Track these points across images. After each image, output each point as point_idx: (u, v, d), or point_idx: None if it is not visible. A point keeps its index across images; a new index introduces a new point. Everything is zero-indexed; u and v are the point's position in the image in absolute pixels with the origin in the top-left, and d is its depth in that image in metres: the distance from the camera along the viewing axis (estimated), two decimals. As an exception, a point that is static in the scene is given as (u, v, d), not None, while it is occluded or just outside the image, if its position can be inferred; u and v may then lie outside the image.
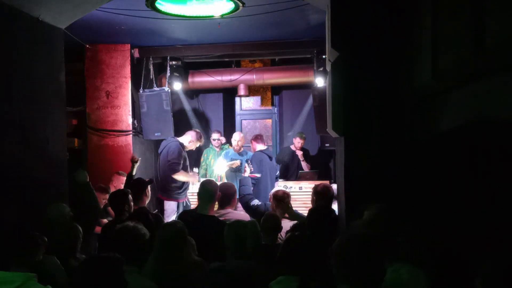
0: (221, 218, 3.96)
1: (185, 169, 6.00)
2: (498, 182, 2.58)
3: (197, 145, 6.27)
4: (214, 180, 5.72)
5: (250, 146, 6.89)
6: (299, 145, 7.37)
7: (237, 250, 2.97)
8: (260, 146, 6.50)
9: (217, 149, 7.31)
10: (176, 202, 5.95)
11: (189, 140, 6.11)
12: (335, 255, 2.01)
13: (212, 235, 3.40)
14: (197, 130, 6.49)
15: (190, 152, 6.91)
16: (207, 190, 3.95)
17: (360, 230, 2.37)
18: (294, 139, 7.47)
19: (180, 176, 5.86)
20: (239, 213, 4.35)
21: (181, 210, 5.95)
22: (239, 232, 3.04)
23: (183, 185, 5.99)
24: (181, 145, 5.99)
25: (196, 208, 4.10)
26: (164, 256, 2.88)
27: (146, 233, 2.80)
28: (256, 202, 4.68)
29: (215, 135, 7.36)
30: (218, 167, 6.68)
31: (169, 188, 5.90)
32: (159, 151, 6.11)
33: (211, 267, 2.88)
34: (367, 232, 2.17)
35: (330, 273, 2.09)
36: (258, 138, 6.62)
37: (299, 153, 7.38)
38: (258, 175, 6.07)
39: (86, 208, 4.06)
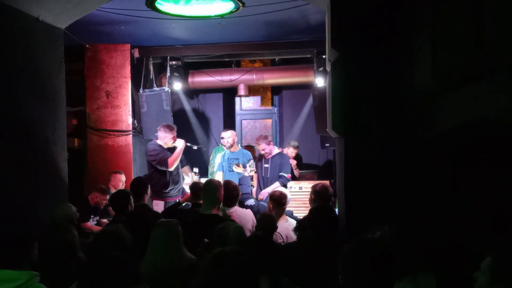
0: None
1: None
2: (497, 181, 2.59)
3: (174, 135, 5.73)
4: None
5: (248, 146, 6.70)
6: (293, 154, 7.12)
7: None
8: (275, 148, 6.21)
9: (225, 148, 7.21)
10: (163, 202, 5.79)
11: (162, 138, 5.71)
12: (343, 261, 1.99)
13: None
14: (163, 124, 5.98)
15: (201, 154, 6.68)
16: (210, 190, 3.95)
17: (370, 238, 2.34)
18: (287, 148, 7.14)
19: (176, 162, 5.62)
20: (245, 212, 4.35)
21: None
22: (221, 233, 3.08)
23: (169, 185, 5.80)
24: (160, 146, 5.71)
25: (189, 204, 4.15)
26: (157, 252, 2.90)
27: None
28: (250, 202, 4.73)
29: (223, 134, 7.25)
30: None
31: (156, 189, 5.74)
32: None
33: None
34: (377, 240, 2.14)
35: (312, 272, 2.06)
36: (269, 139, 6.25)
37: (293, 162, 6.98)
38: (289, 175, 5.98)
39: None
